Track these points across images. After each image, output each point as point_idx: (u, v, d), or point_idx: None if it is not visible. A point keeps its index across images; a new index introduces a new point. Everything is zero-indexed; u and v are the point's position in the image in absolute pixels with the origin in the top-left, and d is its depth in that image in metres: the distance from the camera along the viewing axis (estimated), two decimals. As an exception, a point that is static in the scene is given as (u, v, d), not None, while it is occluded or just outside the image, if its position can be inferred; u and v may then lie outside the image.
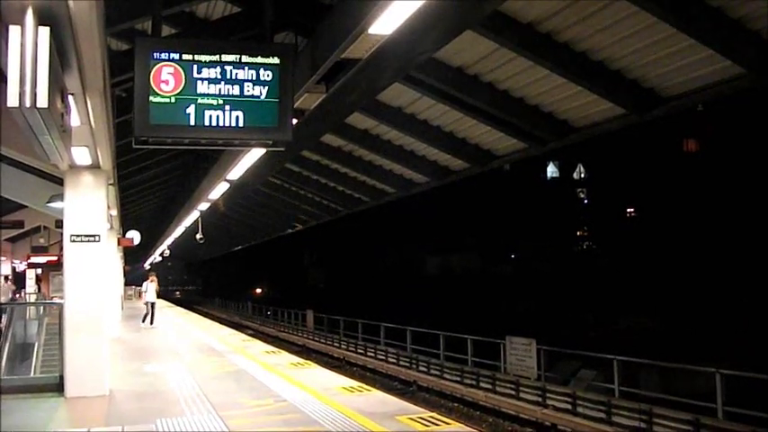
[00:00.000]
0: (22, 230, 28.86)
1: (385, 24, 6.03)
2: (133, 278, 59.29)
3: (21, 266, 33.25)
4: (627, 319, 37.94)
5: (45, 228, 28.73)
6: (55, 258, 27.64)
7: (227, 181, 15.31)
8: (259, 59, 6.27)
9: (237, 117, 6.21)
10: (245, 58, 6.24)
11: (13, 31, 4.06)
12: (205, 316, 41.50)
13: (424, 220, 67.86)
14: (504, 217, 63.36)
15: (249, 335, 28.75)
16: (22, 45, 4.07)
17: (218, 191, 17.36)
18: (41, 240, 30.49)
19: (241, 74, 6.22)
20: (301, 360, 15.29)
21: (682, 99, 9.98)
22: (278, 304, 47.47)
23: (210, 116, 6.14)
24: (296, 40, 9.86)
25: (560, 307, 42.97)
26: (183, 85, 6.07)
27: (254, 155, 11.53)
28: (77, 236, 10.04)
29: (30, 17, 4.10)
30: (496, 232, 64.66)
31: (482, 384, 19.08)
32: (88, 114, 7.06)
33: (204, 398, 9.94)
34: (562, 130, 12.09)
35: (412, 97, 13.12)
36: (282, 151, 7.57)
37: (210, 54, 6.15)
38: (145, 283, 25.61)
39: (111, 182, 12.60)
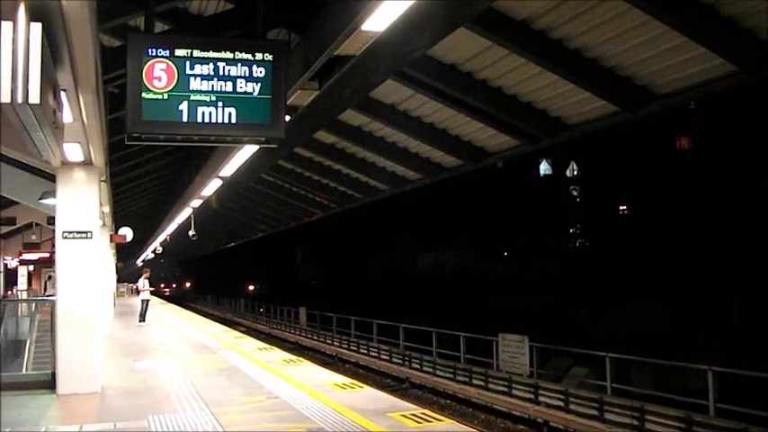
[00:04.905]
0: (13, 227, 28.79)
1: (378, 21, 6.02)
2: (126, 275, 59.24)
3: (12, 263, 33.14)
4: (619, 315, 38.00)
5: (37, 224, 28.68)
6: (47, 255, 27.58)
7: (220, 178, 15.30)
8: (252, 56, 6.27)
9: (230, 113, 6.20)
10: (237, 55, 6.23)
11: (5, 26, 4.04)
12: (197, 313, 41.44)
13: (417, 217, 67.88)
14: (496, 214, 63.39)
15: (242, 332, 28.76)
16: (14, 41, 4.05)
17: (211, 188, 17.35)
18: (33, 237, 30.42)
19: (234, 70, 6.22)
20: (294, 357, 15.30)
21: (674, 96, 10.00)
22: (271, 301, 47.41)
23: (203, 113, 6.13)
24: (289, 36, 9.86)
25: (553, 303, 43.02)
26: (175, 81, 6.06)
27: (247, 152, 11.52)
28: (69, 232, 10.03)
29: (22, 13, 4.08)
30: (489, 229, 64.68)
31: (474, 381, 19.11)
32: (80, 111, 7.04)
33: (196, 395, 9.93)
34: (555, 128, 12.10)
35: (405, 94, 13.12)
36: (275, 148, 7.58)
37: (203, 50, 6.15)
38: (141, 280, 25.67)
39: (104, 178, 12.59)
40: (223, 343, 18.10)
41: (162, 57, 6.04)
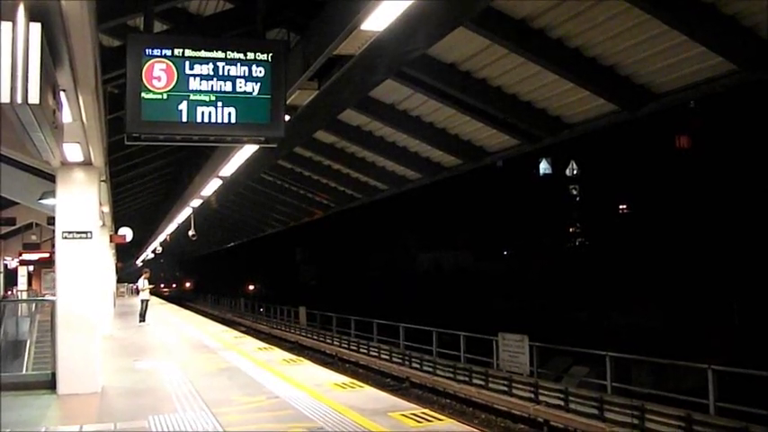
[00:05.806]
0: (13, 227, 28.76)
1: (377, 20, 6.02)
2: (125, 275, 59.25)
3: (12, 263, 33.13)
4: (620, 315, 38.00)
5: (37, 225, 28.64)
6: (47, 255, 27.57)
7: (220, 177, 15.30)
8: (251, 56, 6.26)
9: (230, 113, 6.19)
10: (237, 55, 6.22)
11: (5, 27, 4.03)
12: (197, 313, 41.44)
13: (417, 217, 67.94)
14: (496, 213, 63.46)
15: (242, 331, 28.75)
16: (14, 41, 4.05)
17: (211, 187, 17.34)
18: (33, 237, 30.40)
19: (233, 70, 6.21)
20: (294, 357, 15.30)
21: (674, 95, 10.00)
22: (271, 301, 47.42)
23: (203, 112, 6.12)
24: (288, 36, 9.86)
25: (551, 304, 43.01)
26: (175, 81, 6.05)
27: (247, 151, 11.51)
28: (69, 233, 10.02)
29: (21, 13, 4.07)
30: (488, 229, 64.73)
31: (475, 381, 19.11)
32: (80, 111, 7.04)
33: (197, 395, 9.93)
34: (555, 127, 12.09)
35: (405, 94, 13.11)
36: (275, 148, 7.57)
37: (203, 50, 6.14)
38: (140, 280, 25.67)
39: (104, 178, 12.58)
40: (223, 343, 18.10)
41: (161, 57, 6.03)
